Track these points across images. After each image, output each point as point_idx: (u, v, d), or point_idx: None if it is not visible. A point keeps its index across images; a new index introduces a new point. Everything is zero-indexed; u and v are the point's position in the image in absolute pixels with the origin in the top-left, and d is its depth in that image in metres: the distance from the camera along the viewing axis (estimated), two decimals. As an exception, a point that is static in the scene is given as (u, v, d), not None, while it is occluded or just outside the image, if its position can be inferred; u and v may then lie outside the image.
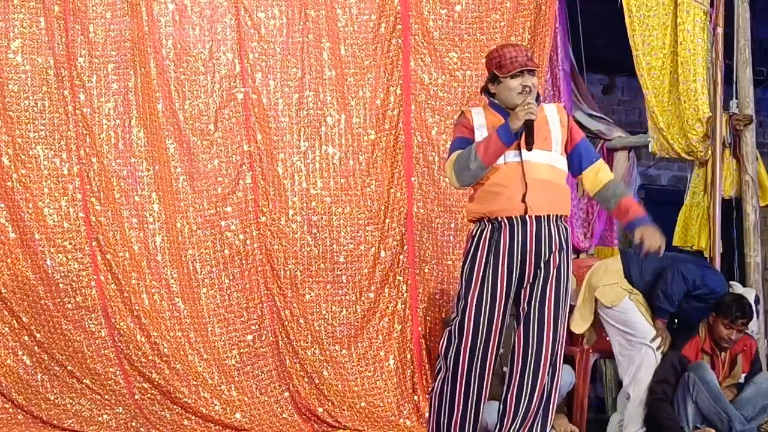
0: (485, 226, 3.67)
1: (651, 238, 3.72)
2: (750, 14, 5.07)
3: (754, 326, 4.91)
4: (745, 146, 5.02)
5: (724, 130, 4.95)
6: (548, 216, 3.66)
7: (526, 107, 3.54)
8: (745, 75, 5.03)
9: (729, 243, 5.18)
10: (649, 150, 5.28)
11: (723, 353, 4.58)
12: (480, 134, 3.65)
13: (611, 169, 5.91)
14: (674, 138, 5.07)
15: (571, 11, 5.74)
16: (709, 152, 5.00)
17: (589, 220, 5.95)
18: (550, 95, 5.47)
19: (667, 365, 4.55)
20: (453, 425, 3.66)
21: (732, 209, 5.10)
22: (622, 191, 3.88)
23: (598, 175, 3.83)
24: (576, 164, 3.81)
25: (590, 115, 6.02)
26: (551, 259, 3.66)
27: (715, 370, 4.55)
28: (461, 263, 3.75)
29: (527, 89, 3.62)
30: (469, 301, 3.64)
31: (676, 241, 5.24)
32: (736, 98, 5.03)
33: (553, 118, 3.75)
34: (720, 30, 4.97)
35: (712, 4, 4.97)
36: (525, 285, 3.68)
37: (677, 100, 5.03)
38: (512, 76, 3.64)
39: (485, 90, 3.81)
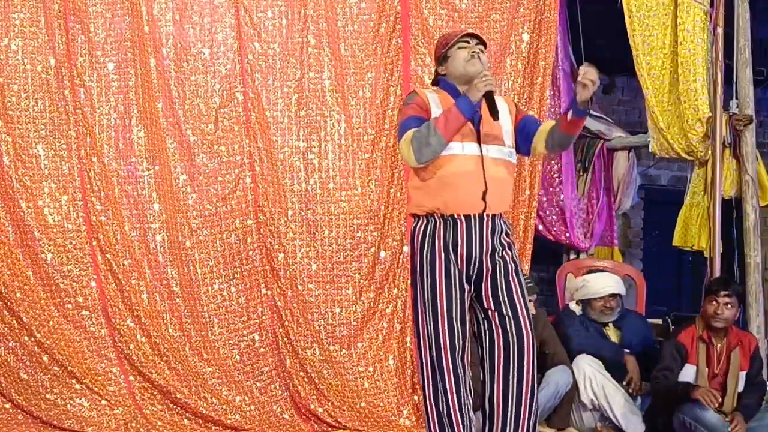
0: (437, 222, 3.61)
1: (587, 72, 3.45)
2: (750, 14, 5.06)
3: (754, 326, 4.93)
4: (745, 146, 5.02)
5: (724, 130, 4.95)
6: (500, 214, 3.68)
7: (484, 79, 3.53)
8: (745, 75, 5.03)
9: (729, 243, 5.18)
10: (649, 150, 5.28)
11: (719, 344, 4.55)
12: (436, 114, 3.61)
13: (611, 170, 5.99)
14: (674, 138, 5.06)
15: (571, 11, 5.74)
16: (709, 152, 4.99)
17: (589, 220, 5.96)
18: (551, 95, 5.47)
19: (667, 353, 4.58)
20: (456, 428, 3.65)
21: (732, 209, 5.10)
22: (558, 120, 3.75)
23: (543, 127, 3.74)
24: (527, 136, 3.75)
25: (590, 115, 6.02)
26: (504, 254, 3.67)
27: (710, 361, 4.53)
28: (413, 263, 3.67)
29: (475, 54, 3.64)
30: (438, 301, 3.58)
31: (676, 241, 5.24)
32: (736, 98, 5.02)
33: (502, 108, 3.72)
34: (720, 30, 4.97)
35: (712, 4, 4.96)
36: (484, 281, 3.65)
37: (677, 100, 5.02)
38: (459, 47, 3.68)
39: (435, 79, 3.83)
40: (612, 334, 4.97)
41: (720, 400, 4.38)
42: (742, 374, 4.56)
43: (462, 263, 3.61)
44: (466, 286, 3.63)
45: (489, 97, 3.56)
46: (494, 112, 3.58)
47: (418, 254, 3.66)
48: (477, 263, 3.63)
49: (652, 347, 5.06)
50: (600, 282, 4.91)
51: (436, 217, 3.63)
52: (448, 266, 3.60)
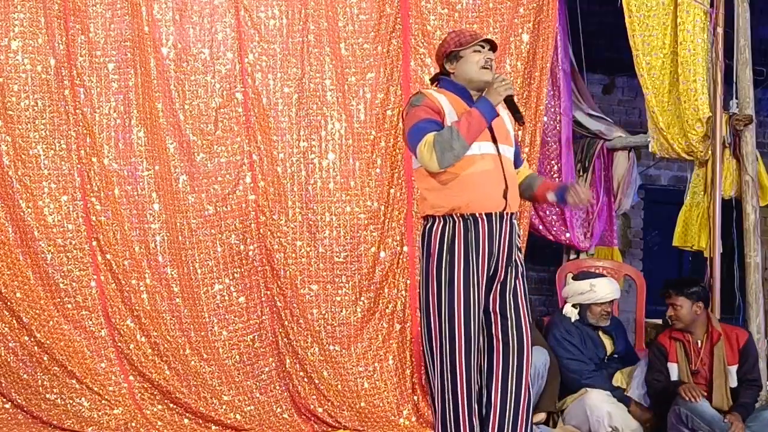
0: (456, 221, 3.61)
1: (580, 192, 3.73)
2: (750, 14, 5.06)
3: (754, 326, 4.93)
4: (745, 146, 5.01)
5: (724, 130, 4.95)
6: (515, 213, 3.70)
7: (503, 83, 3.57)
8: (745, 75, 5.03)
9: (729, 243, 5.18)
10: (649, 150, 5.28)
11: (699, 340, 4.56)
12: (450, 117, 3.62)
13: (611, 170, 6.00)
14: (674, 138, 5.06)
15: (571, 11, 5.74)
16: (709, 152, 4.99)
17: (589, 220, 5.96)
18: (551, 95, 5.47)
19: (652, 356, 4.67)
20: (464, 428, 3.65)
21: (732, 209, 5.10)
22: (540, 177, 3.99)
23: (524, 170, 3.95)
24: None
25: (590, 115, 6.03)
26: (516, 257, 3.69)
27: (689, 357, 4.55)
28: (427, 264, 3.66)
29: (489, 61, 3.66)
30: (456, 304, 3.57)
31: (676, 241, 5.24)
32: (736, 98, 5.02)
33: (506, 116, 3.78)
34: (720, 30, 4.97)
35: (712, 4, 4.96)
36: (496, 282, 3.67)
37: (677, 100, 5.02)
38: (474, 51, 3.68)
39: (438, 76, 3.83)
40: (606, 340, 4.98)
41: (702, 395, 4.39)
42: (732, 369, 4.54)
43: (483, 262, 3.60)
44: (482, 288, 3.63)
45: (510, 100, 3.59)
46: (518, 116, 3.61)
47: (435, 255, 3.63)
48: (495, 261, 3.64)
49: (632, 351, 5.14)
50: (607, 288, 4.92)
51: (455, 217, 3.61)
52: (468, 267, 3.59)
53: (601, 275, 5.11)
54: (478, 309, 3.61)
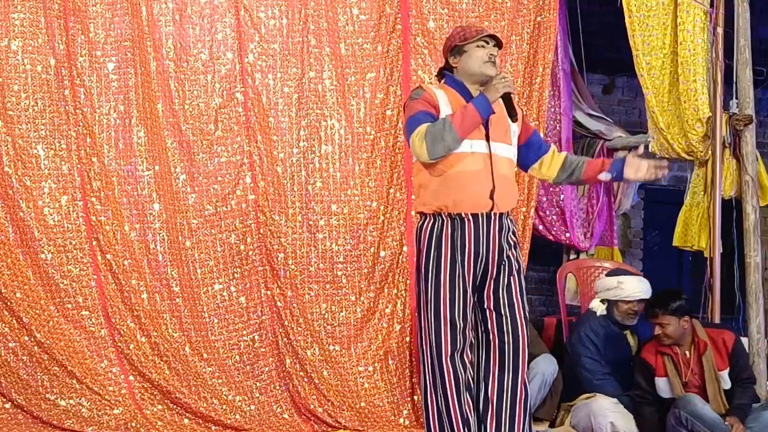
0: (444, 220, 3.62)
1: (644, 166, 3.72)
2: (750, 14, 5.07)
3: (754, 326, 4.92)
4: (745, 146, 5.02)
5: (724, 130, 4.96)
6: (507, 212, 3.69)
7: (503, 80, 3.56)
8: (745, 75, 5.03)
9: (729, 243, 5.18)
10: (649, 150, 5.28)
11: (687, 351, 4.53)
12: (445, 113, 3.63)
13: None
14: (674, 138, 5.07)
15: (571, 11, 5.75)
16: (709, 152, 5.00)
17: (589, 220, 5.97)
18: (551, 95, 5.47)
19: (637, 373, 4.64)
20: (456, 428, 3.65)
21: (732, 209, 5.10)
22: (580, 159, 3.92)
23: (555, 154, 3.89)
24: (534, 152, 3.85)
25: (590, 115, 6.04)
26: (510, 254, 3.68)
27: (679, 368, 4.52)
28: (418, 261, 3.69)
29: (493, 57, 3.66)
30: (442, 302, 3.59)
31: (676, 242, 5.24)
32: (736, 98, 5.02)
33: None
34: (720, 30, 4.97)
35: (712, 4, 4.97)
36: (488, 280, 3.67)
37: (677, 100, 5.03)
38: (478, 45, 3.69)
39: (442, 71, 3.82)
40: (631, 339, 4.96)
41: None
42: (724, 374, 4.51)
43: (469, 263, 3.61)
44: (469, 287, 3.64)
45: (507, 98, 3.59)
46: (513, 114, 3.61)
47: (423, 252, 3.66)
48: (483, 262, 3.64)
49: None
50: (635, 286, 4.88)
51: (443, 215, 3.63)
52: (454, 266, 3.60)
53: (633, 274, 5.08)
54: (464, 307, 3.62)
